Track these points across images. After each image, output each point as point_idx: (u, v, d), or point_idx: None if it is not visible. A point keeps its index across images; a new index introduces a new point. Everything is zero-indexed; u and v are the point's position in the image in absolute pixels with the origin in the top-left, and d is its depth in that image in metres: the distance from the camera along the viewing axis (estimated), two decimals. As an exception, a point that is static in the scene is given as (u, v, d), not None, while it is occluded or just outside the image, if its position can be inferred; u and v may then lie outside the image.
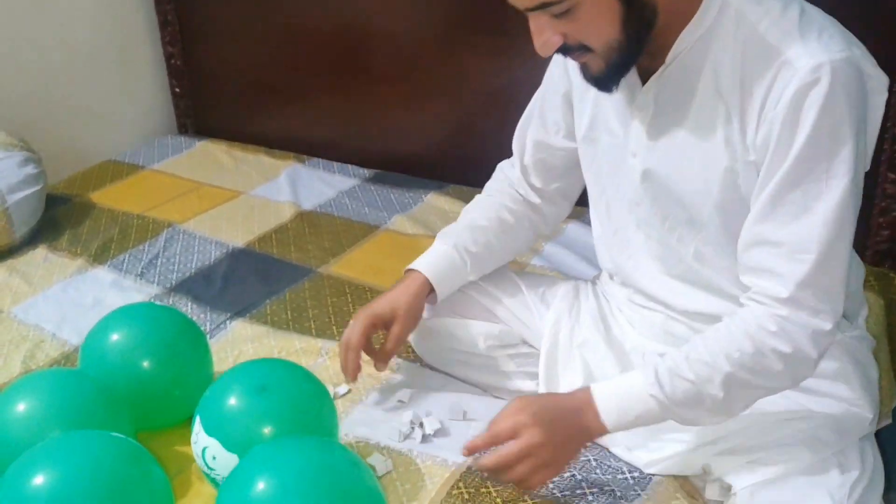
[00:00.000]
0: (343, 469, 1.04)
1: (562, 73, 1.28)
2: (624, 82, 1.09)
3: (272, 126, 2.57)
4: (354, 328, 1.32)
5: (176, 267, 1.90)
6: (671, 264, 1.20)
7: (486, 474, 1.13)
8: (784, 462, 1.10)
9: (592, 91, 1.17)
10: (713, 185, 1.08)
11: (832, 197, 0.96)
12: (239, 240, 2.01)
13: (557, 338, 1.35)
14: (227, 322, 1.68)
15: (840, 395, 1.16)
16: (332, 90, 2.41)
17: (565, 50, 1.03)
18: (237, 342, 1.61)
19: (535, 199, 1.41)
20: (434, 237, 1.97)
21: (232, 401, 1.15)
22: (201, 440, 1.16)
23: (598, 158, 1.25)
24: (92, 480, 1.01)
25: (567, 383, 1.32)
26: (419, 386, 1.46)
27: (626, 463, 1.28)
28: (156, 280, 1.85)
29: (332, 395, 1.43)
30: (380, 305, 1.34)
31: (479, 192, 2.25)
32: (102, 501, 1.00)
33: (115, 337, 1.33)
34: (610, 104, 1.18)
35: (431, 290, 1.36)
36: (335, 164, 2.42)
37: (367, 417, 1.40)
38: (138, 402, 1.31)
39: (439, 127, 2.29)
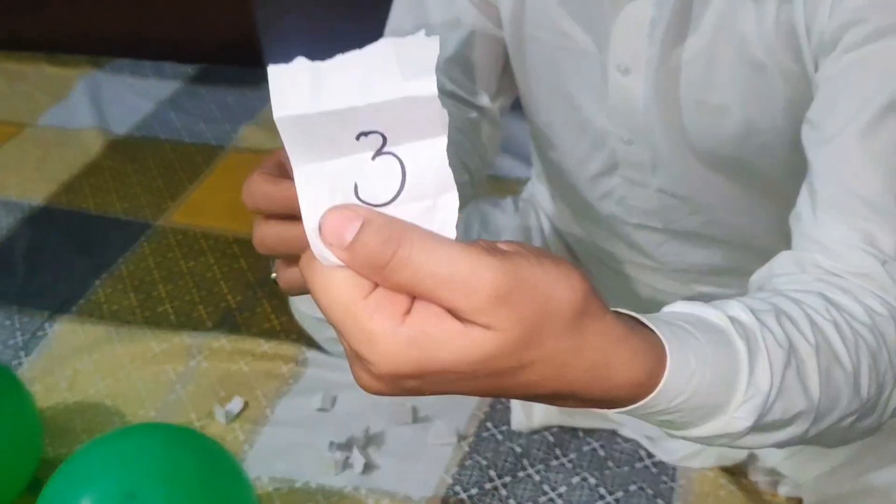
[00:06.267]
0: None
1: None
2: None
3: (52, 22, 1.97)
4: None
5: (-46, 251, 1.37)
6: (674, 217, 0.81)
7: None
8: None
9: None
10: (768, 117, 0.68)
11: None
12: (37, 194, 1.49)
13: None
14: (47, 325, 1.21)
15: None
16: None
17: None
18: (68, 356, 1.15)
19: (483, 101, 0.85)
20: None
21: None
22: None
23: (533, 70, 0.79)
24: None
25: None
26: (343, 382, 1.07)
27: (638, 444, 0.98)
28: (-72, 276, 1.32)
29: (223, 418, 1.03)
30: None
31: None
32: None
33: None
34: None
35: None
36: (146, 63, 1.89)
37: (280, 443, 1.01)
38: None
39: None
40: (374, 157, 0.34)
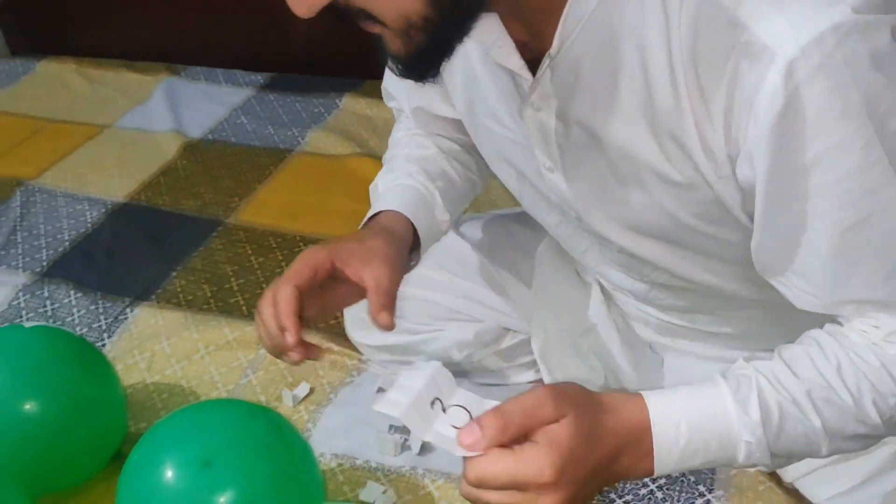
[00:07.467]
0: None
1: None
2: (496, 63, 0.70)
3: (132, 31, 2.10)
4: (284, 275, 0.77)
5: (43, 241, 1.48)
6: (644, 272, 0.84)
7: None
8: (867, 454, 0.84)
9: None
10: (679, 215, 0.71)
11: None
12: (118, 192, 1.59)
13: (547, 327, 1.02)
14: (128, 310, 1.30)
15: None
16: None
17: (342, 14, 0.58)
18: (147, 339, 1.24)
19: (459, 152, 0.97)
20: (364, 154, 1.63)
21: (164, 483, 0.80)
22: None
23: (490, 153, 0.86)
24: None
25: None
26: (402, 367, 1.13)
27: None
28: (20, 264, 1.43)
29: (290, 401, 1.11)
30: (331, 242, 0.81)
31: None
32: None
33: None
34: (490, 83, 0.76)
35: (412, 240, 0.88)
36: (219, 71, 2.00)
37: (342, 424, 1.08)
38: (28, 464, 0.96)
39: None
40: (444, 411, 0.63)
